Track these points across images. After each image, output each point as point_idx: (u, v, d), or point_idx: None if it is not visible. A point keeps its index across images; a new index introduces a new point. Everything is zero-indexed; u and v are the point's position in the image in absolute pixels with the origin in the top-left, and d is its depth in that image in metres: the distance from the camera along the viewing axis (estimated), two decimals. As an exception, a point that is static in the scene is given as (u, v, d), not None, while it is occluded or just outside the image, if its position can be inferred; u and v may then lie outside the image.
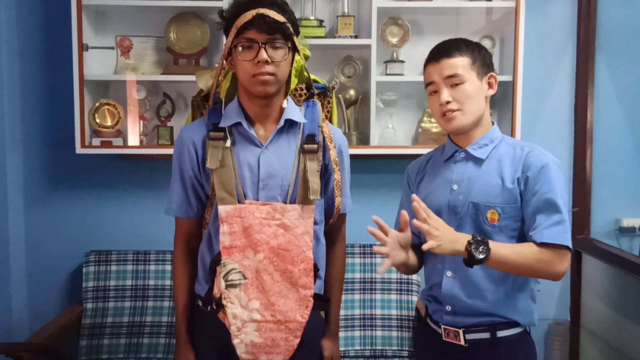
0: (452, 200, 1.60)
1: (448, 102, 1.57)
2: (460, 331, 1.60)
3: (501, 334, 1.59)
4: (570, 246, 1.52)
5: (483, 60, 1.60)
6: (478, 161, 1.61)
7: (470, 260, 1.46)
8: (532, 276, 1.58)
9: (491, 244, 1.48)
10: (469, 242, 1.46)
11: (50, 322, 2.48)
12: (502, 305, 1.58)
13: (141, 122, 2.62)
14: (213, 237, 1.64)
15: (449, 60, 1.58)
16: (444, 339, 1.63)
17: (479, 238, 1.47)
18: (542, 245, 1.50)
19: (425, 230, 1.45)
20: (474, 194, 1.58)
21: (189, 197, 1.69)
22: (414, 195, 1.51)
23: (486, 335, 1.59)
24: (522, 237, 1.57)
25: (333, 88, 1.84)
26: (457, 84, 1.57)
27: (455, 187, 1.61)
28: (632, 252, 2.74)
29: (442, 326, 1.63)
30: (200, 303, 1.69)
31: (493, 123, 1.66)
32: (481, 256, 1.45)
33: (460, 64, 1.57)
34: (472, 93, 1.57)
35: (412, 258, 1.61)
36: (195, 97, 1.79)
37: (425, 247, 1.45)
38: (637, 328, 2.26)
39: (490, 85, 1.62)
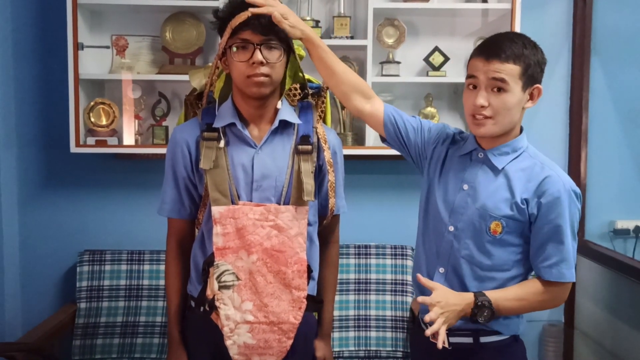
0: (460, 200, 1.57)
1: (483, 107, 1.48)
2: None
3: (484, 339, 1.58)
4: (575, 279, 1.53)
5: (534, 71, 1.50)
6: (494, 169, 1.56)
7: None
8: (535, 311, 1.60)
9: (494, 300, 1.49)
10: (472, 310, 1.49)
11: (43, 322, 2.47)
12: None
13: (136, 121, 2.62)
14: (206, 238, 1.64)
15: (501, 64, 1.46)
16: (431, 339, 1.62)
17: (481, 303, 1.49)
18: (548, 282, 1.52)
19: (428, 303, 1.46)
20: (482, 201, 1.54)
21: (182, 198, 1.68)
22: (419, 275, 1.52)
23: (469, 339, 1.58)
24: (522, 253, 1.56)
25: (327, 88, 1.83)
26: (499, 91, 1.47)
27: (465, 187, 1.57)
28: (626, 254, 2.75)
29: (429, 326, 1.63)
30: (193, 304, 1.68)
31: (522, 130, 1.59)
32: (487, 318, 1.50)
33: (511, 71, 1.46)
34: (511, 105, 1.48)
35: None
36: (189, 96, 1.78)
37: (428, 318, 1.46)
38: (631, 329, 2.27)
39: (531, 97, 1.53)
